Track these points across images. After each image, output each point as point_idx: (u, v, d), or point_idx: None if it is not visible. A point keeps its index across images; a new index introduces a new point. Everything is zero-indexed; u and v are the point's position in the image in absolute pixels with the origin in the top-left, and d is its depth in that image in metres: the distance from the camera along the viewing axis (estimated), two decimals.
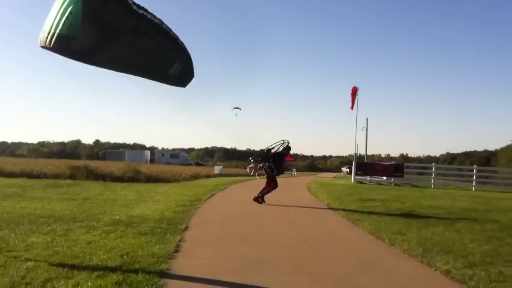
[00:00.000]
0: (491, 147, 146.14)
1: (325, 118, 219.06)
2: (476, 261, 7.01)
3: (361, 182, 31.40)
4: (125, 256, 6.53)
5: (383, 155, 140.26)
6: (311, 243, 8.47)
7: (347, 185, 27.82)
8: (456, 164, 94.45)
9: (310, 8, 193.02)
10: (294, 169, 72.30)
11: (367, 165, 32.71)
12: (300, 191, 22.89)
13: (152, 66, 8.00)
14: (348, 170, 69.18)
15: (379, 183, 31.10)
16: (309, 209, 14.64)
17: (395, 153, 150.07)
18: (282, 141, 14.98)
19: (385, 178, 31.90)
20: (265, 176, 15.04)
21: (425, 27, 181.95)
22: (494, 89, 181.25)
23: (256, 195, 14.88)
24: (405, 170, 32.73)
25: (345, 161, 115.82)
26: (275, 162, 14.77)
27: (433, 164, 34.63)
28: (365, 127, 34.20)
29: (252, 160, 15.44)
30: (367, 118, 34.34)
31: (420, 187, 29.40)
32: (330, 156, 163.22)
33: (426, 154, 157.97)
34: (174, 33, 7.76)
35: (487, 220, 12.19)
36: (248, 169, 15.90)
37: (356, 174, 31.82)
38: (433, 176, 31.53)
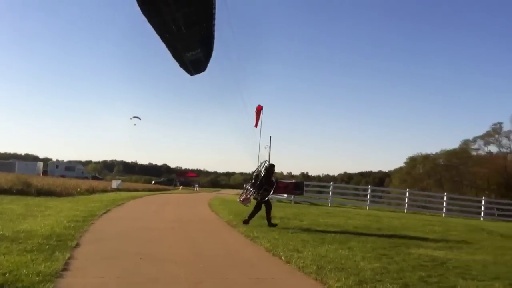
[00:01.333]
0: (386, 168, 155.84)
1: (229, 135, 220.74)
2: (367, 279, 7.39)
3: None
4: (7, 275, 6.08)
5: (285, 173, 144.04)
6: (209, 261, 8.45)
7: None
8: (353, 183, 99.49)
9: None
10: (197, 185, 71.95)
11: None
12: (201, 208, 22.82)
13: (179, 39, 8.57)
14: None
15: (280, 201, 31.84)
16: (209, 226, 14.63)
17: (296, 172, 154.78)
18: (264, 162, 15.43)
19: (285, 195, 32.73)
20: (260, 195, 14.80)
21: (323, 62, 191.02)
22: (388, 114, 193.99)
23: (269, 223, 14.57)
24: (305, 188, 33.82)
25: (248, 178, 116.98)
26: (268, 185, 14.82)
27: (331, 183, 36.19)
28: (269, 145, 35.00)
29: (246, 191, 15.43)
30: (270, 137, 35.16)
31: (318, 205, 30.54)
32: (234, 173, 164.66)
33: (325, 173, 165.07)
34: (213, 25, 8.67)
35: (378, 238, 12.95)
36: (241, 201, 15.63)
37: None
38: (330, 194, 32.95)
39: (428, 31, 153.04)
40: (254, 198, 14.99)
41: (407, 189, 37.64)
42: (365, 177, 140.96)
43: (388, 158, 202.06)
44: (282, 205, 27.77)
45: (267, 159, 15.80)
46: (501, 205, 40.74)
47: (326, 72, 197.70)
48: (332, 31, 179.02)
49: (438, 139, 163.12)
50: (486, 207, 35.60)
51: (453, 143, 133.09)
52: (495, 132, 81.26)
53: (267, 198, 14.81)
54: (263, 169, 15.24)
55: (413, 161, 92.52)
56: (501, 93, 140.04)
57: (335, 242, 11.45)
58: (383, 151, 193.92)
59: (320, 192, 41.48)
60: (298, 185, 32.83)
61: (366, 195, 33.95)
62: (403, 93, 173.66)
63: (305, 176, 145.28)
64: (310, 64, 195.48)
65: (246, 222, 14.67)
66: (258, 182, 14.88)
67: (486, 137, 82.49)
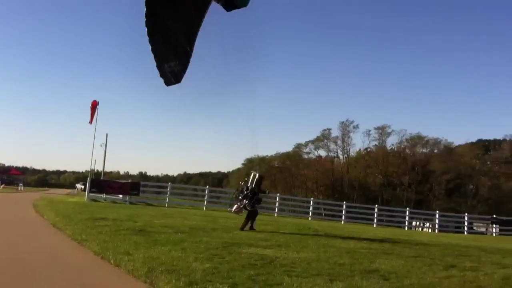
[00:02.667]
0: (225, 169, 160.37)
1: (61, 130, 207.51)
2: (197, 279, 7.49)
3: (95, 200, 30.63)
4: None
5: (122, 173, 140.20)
6: (27, 266, 7.82)
7: (79, 203, 26.78)
8: (192, 184, 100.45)
9: None
10: (21, 184, 66.18)
11: (102, 183, 32.17)
12: (25, 209, 21.09)
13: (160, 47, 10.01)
14: (82, 187, 66.72)
15: (114, 201, 30.82)
16: (32, 228, 13.57)
17: (134, 171, 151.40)
18: (254, 174, 17.41)
19: (121, 196, 31.84)
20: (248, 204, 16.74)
21: None
22: (227, 116, 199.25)
23: (250, 226, 16.93)
24: (142, 188, 33.31)
25: (80, 177, 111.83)
26: (258, 194, 17.00)
27: (169, 183, 36.11)
28: (105, 142, 33.73)
29: (238, 202, 17.07)
30: (107, 134, 33.95)
31: (155, 206, 30.20)
32: (65, 171, 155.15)
33: (164, 173, 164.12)
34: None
35: (212, 238, 13.23)
36: (232, 210, 17.45)
37: (90, 191, 30.97)
38: (168, 195, 32.86)
39: None
40: (245, 208, 16.87)
41: None
42: (204, 177, 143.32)
43: (227, 159, 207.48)
44: (116, 206, 26.87)
45: (257, 172, 17.94)
46: (327, 205, 44.59)
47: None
48: None
49: (275, 142, 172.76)
50: (314, 207, 38.64)
51: (287, 146, 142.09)
52: (324, 137, 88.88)
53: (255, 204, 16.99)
54: (254, 181, 17.07)
55: (250, 163, 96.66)
56: (331, 100, 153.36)
57: (168, 243, 11.41)
58: (223, 152, 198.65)
59: (158, 193, 41.15)
60: (134, 186, 32.28)
61: (204, 196, 34.53)
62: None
63: (143, 176, 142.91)
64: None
65: (242, 229, 16.64)
66: (249, 193, 16.76)
67: (317, 142, 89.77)
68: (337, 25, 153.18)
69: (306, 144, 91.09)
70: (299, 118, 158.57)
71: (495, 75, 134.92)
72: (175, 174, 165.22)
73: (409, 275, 9.41)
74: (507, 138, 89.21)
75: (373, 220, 36.04)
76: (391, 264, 10.64)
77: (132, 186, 31.83)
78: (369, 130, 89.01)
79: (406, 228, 36.92)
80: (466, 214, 41.91)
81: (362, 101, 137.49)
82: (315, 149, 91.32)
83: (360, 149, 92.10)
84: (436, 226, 37.99)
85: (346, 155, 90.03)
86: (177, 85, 11.14)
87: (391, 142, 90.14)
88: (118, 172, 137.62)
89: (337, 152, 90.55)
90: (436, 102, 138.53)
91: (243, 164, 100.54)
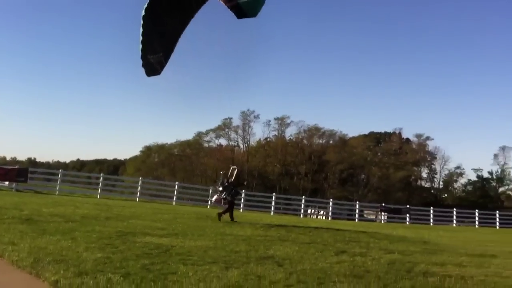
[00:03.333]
0: (121, 156, 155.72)
1: None
2: (88, 269, 7.24)
3: None
4: None
5: (8, 158, 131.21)
6: None
7: None
8: (85, 171, 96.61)
9: None
10: None
11: None
12: None
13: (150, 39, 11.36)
14: None
15: None
16: None
17: (22, 157, 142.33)
18: (234, 168, 19.41)
19: (7, 183, 29.86)
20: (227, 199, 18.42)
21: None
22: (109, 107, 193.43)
23: (230, 218, 18.36)
24: (30, 175, 31.42)
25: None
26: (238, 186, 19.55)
27: (60, 170, 34.39)
28: None
29: (220, 195, 18.56)
30: None
31: (44, 194, 28.66)
32: None
33: (56, 159, 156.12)
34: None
35: (105, 227, 12.83)
36: (214, 201, 19.73)
37: None
38: (58, 182, 31.33)
39: None
40: (225, 199, 18.40)
41: (140, 178, 38.34)
42: (99, 164, 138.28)
43: (124, 146, 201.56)
44: (2, 193, 25.11)
45: (235, 166, 19.91)
46: None
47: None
48: None
49: (175, 129, 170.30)
50: (213, 196, 38.78)
51: (188, 134, 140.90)
52: (225, 126, 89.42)
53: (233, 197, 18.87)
54: (234, 175, 18.87)
55: (148, 150, 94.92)
56: (233, 89, 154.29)
57: (57, 233, 10.91)
58: (119, 139, 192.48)
59: (48, 180, 39.12)
60: (21, 172, 30.34)
61: (98, 184, 33.34)
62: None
63: (32, 162, 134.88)
64: None
65: (219, 216, 18.08)
66: (229, 186, 18.39)
67: (218, 131, 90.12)
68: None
69: (207, 132, 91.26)
70: (200, 105, 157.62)
71: (385, 73, 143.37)
72: (68, 160, 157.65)
73: (303, 260, 9.80)
74: (396, 131, 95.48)
75: (270, 208, 36.95)
76: (285, 251, 11.01)
77: (19, 173, 29.88)
78: (269, 121, 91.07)
79: (302, 216, 38.29)
80: (357, 202, 44.37)
81: (263, 92, 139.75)
82: (216, 137, 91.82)
83: (260, 139, 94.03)
84: (330, 213, 39.81)
85: (246, 145, 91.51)
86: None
87: (290, 132, 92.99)
88: (4, 158, 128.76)
89: (237, 141, 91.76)
90: (332, 95, 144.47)
91: (141, 151, 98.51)
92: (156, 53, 12.39)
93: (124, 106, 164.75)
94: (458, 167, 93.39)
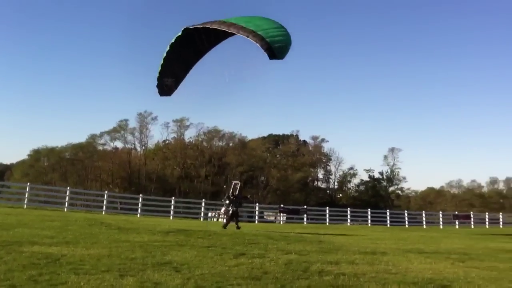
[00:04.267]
0: (7, 161, 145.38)
1: None
2: None
3: None
4: None
5: None
6: None
7: None
8: None
9: None
10: None
11: None
12: None
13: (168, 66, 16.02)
14: None
15: None
16: None
17: None
18: (238, 183, 23.52)
19: None
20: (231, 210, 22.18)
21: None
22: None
23: (236, 226, 21.75)
24: None
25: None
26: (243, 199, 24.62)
27: None
28: None
29: (226, 208, 22.39)
30: None
31: None
32: None
33: None
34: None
35: None
36: (222, 214, 24.55)
37: None
38: None
39: None
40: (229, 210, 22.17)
41: (28, 183, 36.10)
42: None
43: (10, 150, 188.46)
44: None
45: (239, 182, 24.08)
46: (123, 198, 43.82)
47: None
48: None
49: (66, 132, 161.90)
50: (109, 201, 37.56)
51: (80, 137, 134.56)
52: (121, 128, 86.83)
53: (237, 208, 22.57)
54: (237, 189, 23.03)
55: (37, 154, 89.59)
56: (129, 91, 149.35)
57: None
58: (4, 142, 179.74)
59: None
60: None
61: None
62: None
63: None
64: None
65: (225, 227, 21.56)
66: (234, 199, 22.37)
67: (113, 133, 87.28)
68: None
69: (101, 135, 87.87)
70: (94, 107, 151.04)
71: (281, 77, 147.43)
72: None
73: (201, 265, 9.78)
74: (294, 134, 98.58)
75: (170, 212, 36.47)
76: (184, 256, 10.93)
77: None
78: (168, 123, 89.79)
79: (202, 219, 38.21)
80: (257, 204, 45.12)
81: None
82: (111, 140, 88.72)
83: (158, 141, 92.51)
84: None
85: (144, 147, 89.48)
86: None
87: (190, 135, 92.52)
88: None
89: (134, 143, 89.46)
90: (231, 97, 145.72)
91: (28, 155, 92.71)
92: (169, 78, 16.07)
93: (8, 107, 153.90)
94: (351, 168, 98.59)
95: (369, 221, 43.15)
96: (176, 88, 16.55)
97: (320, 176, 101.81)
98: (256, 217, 40.82)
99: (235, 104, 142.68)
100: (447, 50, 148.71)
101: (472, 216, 48.46)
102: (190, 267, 9.41)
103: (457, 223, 45.16)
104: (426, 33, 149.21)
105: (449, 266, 11.92)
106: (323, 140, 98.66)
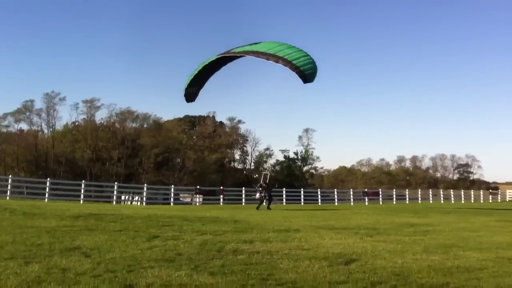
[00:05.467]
0: None
1: None
2: None
3: None
4: None
5: None
6: None
7: None
8: None
9: None
10: None
11: None
12: None
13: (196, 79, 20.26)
14: None
15: None
16: None
17: None
18: (267, 174, 32.67)
19: None
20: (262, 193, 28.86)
21: None
22: None
23: (268, 207, 27.98)
24: None
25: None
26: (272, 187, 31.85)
27: None
28: None
29: (260, 194, 29.12)
30: None
31: None
32: None
33: None
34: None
35: None
36: (258, 196, 29.74)
37: None
38: None
39: None
40: (263, 196, 28.72)
41: None
42: None
43: None
44: None
45: (268, 172, 32.78)
46: (30, 183, 41.76)
47: None
48: None
49: None
50: (14, 186, 35.69)
51: None
52: (26, 109, 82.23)
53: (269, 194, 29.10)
54: (268, 179, 31.00)
55: None
56: (35, 69, 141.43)
57: None
58: None
59: None
60: None
61: None
62: None
63: None
64: None
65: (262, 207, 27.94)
66: (266, 186, 29.19)
67: (17, 114, 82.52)
68: None
69: (5, 116, 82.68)
70: None
71: (194, 57, 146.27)
72: None
73: (112, 249, 9.58)
74: (210, 115, 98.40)
75: (80, 196, 35.26)
76: (94, 240, 10.65)
77: None
78: (77, 103, 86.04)
79: (114, 203, 37.30)
80: (173, 186, 44.75)
81: (70, 72, 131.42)
82: (15, 122, 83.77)
83: (67, 123, 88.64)
84: (145, 199, 39.51)
85: (51, 129, 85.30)
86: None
87: (101, 116, 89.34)
88: None
89: (41, 125, 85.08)
90: (146, 78, 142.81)
91: None
92: (196, 87, 20.41)
93: None
94: (267, 149, 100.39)
95: (284, 200, 44.19)
96: (198, 94, 21.03)
97: (237, 157, 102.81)
98: (172, 199, 40.45)
99: (148, 83, 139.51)
100: (351, 30, 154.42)
101: (380, 193, 51.12)
102: (100, 252, 9.18)
103: (366, 199, 47.44)
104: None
105: (358, 241, 12.51)
106: (239, 121, 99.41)
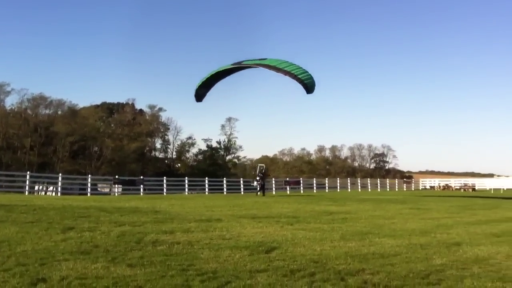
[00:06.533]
0: None
1: None
2: None
3: None
4: None
5: None
6: None
7: None
8: None
9: None
10: None
11: None
12: None
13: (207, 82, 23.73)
14: None
15: None
16: None
17: None
18: (263, 167, 40.34)
19: None
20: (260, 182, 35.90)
21: None
22: None
23: (263, 195, 34.59)
24: None
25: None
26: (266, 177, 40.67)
27: None
28: None
29: (258, 182, 36.15)
30: None
31: None
32: None
33: None
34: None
35: None
36: (255, 184, 37.42)
37: None
38: None
39: None
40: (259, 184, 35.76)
41: None
42: None
43: None
44: None
45: (264, 165, 41.81)
46: None
47: None
48: None
49: None
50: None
51: None
52: None
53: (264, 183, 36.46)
54: (264, 170, 38.25)
55: None
56: None
57: None
58: None
59: None
60: None
61: None
62: None
63: None
64: None
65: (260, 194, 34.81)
66: (262, 176, 36.37)
67: None
68: None
69: None
70: None
71: (117, 44, 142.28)
72: None
73: (24, 241, 9.19)
74: (130, 102, 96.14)
75: None
76: (3, 232, 10.18)
77: None
78: None
79: (27, 193, 35.61)
80: (90, 175, 43.39)
81: None
82: None
83: None
84: (60, 189, 38.02)
85: None
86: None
87: (11, 102, 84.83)
88: None
89: None
90: (59, 60, 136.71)
91: None
92: (205, 89, 23.61)
93: None
94: (189, 138, 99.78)
95: (207, 189, 44.16)
96: (206, 95, 24.29)
97: (158, 145, 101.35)
98: (89, 190, 39.21)
99: (62, 67, 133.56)
100: (279, 21, 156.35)
101: (301, 181, 52.32)
102: (10, 244, 8.77)
103: (288, 188, 48.35)
104: None
105: (279, 229, 12.77)
106: (160, 109, 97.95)
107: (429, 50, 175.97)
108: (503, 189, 59.81)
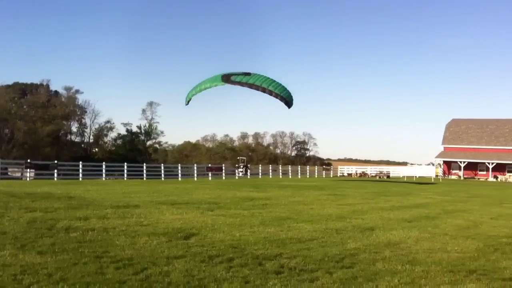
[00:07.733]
0: None
1: None
2: None
3: None
4: None
5: None
6: None
7: None
8: None
9: None
10: None
11: None
12: None
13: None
14: None
15: None
16: None
17: None
18: (245, 159, 54.34)
19: None
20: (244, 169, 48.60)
21: None
22: None
23: (247, 175, 49.07)
24: None
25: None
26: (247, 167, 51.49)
27: None
28: None
29: (241, 170, 48.74)
30: None
31: None
32: None
33: None
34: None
35: None
36: (239, 170, 49.37)
37: None
38: None
39: None
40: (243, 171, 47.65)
41: None
42: None
43: None
44: None
45: (244, 158, 54.86)
46: None
47: None
48: None
49: None
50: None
51: None
52: None
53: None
54: (245, 162, 52.43)
55: None
56: None
57: None
58: None
59: None
60: None
61: None
62: None
63: None
64: None
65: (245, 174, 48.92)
66: (243, 165, 50.14)
67: None
68: None
69: None
70: None
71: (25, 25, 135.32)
72: None
73: None
74: (44, 83, 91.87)
75: None
76: None
77: None
78: None
79: None
80: (0, 159, 41.18)
81: None
82: None
83: None
84: None
85: None
86: None
87: None
88: None
89: None
90: None
91: None
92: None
93: None
94: (108, 122, 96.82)
95: (126, 175, 43.22)
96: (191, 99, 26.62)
97: (74, 129, 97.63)
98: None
99: None
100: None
101: (223, 168, 52.45)
102: None
103: (210, 174, 48.30)
104: None
105: (198, 215, 12.77)
106: (77, 91, 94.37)
107: (346, 39, 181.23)
108: (415, 176, 63.26)
